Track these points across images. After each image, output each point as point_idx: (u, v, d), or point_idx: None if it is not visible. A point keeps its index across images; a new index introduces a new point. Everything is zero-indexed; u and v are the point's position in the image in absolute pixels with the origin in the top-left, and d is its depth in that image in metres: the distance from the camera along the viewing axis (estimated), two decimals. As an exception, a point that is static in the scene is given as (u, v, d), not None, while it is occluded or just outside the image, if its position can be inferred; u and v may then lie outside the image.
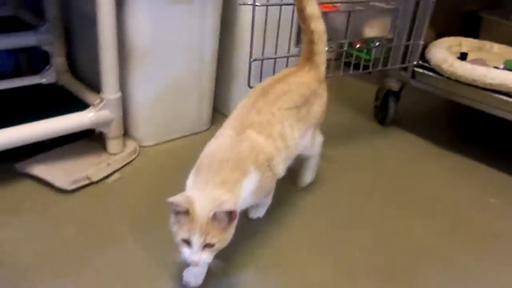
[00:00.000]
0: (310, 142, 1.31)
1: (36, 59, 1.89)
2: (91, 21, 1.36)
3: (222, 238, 0.93)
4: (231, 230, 0.96)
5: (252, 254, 1.19)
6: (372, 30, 1.71)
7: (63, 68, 1.74)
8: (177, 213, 0.92)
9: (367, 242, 1.28)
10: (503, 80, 1.56)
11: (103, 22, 1.34)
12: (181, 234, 0.91)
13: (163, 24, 1.50)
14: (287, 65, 1.50)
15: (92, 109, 1.45)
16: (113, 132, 1.50)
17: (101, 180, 1.42)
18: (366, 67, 1.79)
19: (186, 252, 0.92)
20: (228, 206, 0.92)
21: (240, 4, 1.61)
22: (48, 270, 1.09)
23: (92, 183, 1.40)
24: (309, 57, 1.30)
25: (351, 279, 1.15)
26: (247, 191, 1.03)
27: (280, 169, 1.16)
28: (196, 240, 0.90)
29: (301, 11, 1.26)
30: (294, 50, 1.53)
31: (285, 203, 1.39)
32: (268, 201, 1.26)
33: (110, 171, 1.46)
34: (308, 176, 1.46)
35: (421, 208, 1.44)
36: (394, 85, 1.89)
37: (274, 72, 1.47)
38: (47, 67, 1.71)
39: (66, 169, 1.41)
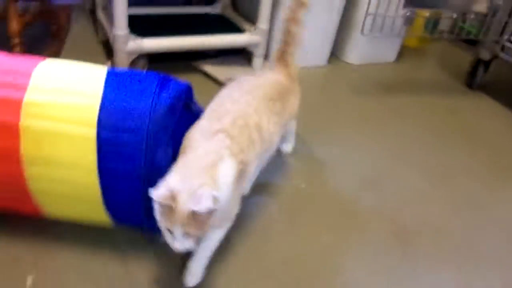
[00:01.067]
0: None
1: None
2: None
3: (202, 229, 0.93)
4: (211, 221, 0.94)
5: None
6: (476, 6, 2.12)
7: (227, 2, 2.38)
8: (161, 204, 0.91)
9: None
10: None
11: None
12: (165, 223, 0.93)
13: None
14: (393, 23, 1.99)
15: (248, 34, 2.07)
16: (259, 52, 2.12)
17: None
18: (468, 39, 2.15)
19: (169, 239, 0.95)
20: (205, 204, 0.89)
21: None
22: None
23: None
24: (281, 56, 1.39)
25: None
26: (226, 179, 1.00)
27: (252, 168, 1.12)
28: (177, 231, 0.92)
29: (293, 12, 1.36)
30: (400, 11, 2.00)
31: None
32: (227, 224, 1.10)
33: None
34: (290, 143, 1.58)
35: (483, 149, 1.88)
36: (484, 55, 2.28)
37: (383, 27, 1.96)
38: (216, 2, 2.36)
39: (225, 70, 2.06)
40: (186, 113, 1.16)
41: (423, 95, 2.20)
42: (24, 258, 1.10)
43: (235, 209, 1.09)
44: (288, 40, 1.36)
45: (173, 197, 0.90)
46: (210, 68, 2.06)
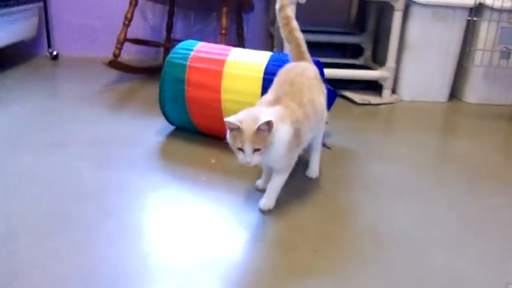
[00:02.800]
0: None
1: (356, 50, 3.36)
2: (388, 30, 2.71)
3: (265, 143, 1.26)
4: (271, 136, 1.28)
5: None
6: None
7: (368, 56, 3.14)
8: (232, 129, 1.27)
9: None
10: None
11: (394, 30, 2.67)
12: (236, 144, 1.26)
13: (427, 32, 2.73)
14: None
15: (380, 70, 2.78)
16: (387, 85, 2.79)
17: (375, 104, 2.72)
18: None
19: (241, 156, 1.28)
20: (265, 119, 1.23)
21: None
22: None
23: (370, 104, 2.71)
24: (300, 57, 1.62)
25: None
26: (281, 137, 1.33)
27: (306, 138, 1.47)
28: (247, 148, 1.25)
29: (286, 25, 1.61)
30: (499, 63, 2.53)
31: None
32: (282, 179, 1.45)
33: (380, 102, 2.74)
34: (314, 167, 1.73)
35: None
36: None
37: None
38: (361, 55, 3.15)
39: (362, 94, 2.77)
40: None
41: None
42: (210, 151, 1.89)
43: (292, 161, 1.44)
44: (297, 43, 1.61)
45: (240, 122, 1.25)
46: (349, 94, 2.80)
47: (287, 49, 1.66)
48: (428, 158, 2.04)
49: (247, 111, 1.31)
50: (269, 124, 1.26)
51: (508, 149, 2.26)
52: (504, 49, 2.59)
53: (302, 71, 1.52)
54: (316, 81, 1.55)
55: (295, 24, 1.62)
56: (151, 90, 2.65)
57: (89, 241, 1.27)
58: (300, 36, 1.62)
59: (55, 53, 3.22)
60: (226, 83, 1.83)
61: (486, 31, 2.65)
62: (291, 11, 1.63)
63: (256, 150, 1.26)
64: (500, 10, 2.62)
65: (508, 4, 2.61)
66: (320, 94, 1.54)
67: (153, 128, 2.08)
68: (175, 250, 1.26)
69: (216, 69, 1.85)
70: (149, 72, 2.98)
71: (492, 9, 2.63)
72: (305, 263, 1.24)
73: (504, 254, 1.35)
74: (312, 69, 1.57)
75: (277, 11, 1.64)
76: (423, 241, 1.39)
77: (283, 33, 1.63)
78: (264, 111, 1.32)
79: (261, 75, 1.79)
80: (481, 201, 1.67)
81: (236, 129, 1.25)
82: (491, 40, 2.66)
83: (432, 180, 1.82)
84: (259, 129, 1.24)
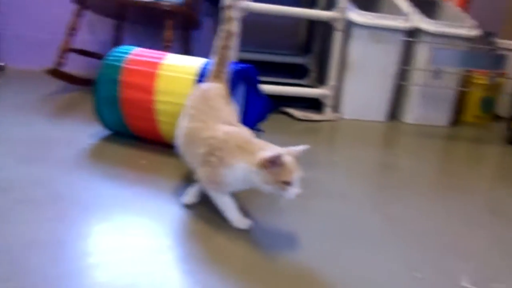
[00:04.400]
0: None
1: (302, 71, 3.44)
2: (329, 51, 2.81)
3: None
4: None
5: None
6: None
7: (314, 77, 3.23)
8: (273, 164, 1.18)
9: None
10: None
11: (335, 50, 2.77)
12: (282, 179, 1.19)
13: (366, 52, 2.84)
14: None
15: (321, 89, 2.86)
16: (329, 103, 2.87)
17: (316, 121, 2.78)
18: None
19: (287, 193, 1.21)
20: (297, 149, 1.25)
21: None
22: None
23: (311, 120, 2.77)
24: (218, 75, 1.55)
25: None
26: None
27: None
28: (297, 179, 1.21)
29: (225, 39, 1.56)
30: (432, 82, 2.66)
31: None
32: None
33: (321, 119, 2.81)
34: None
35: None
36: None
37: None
38: (307, 76, 3.23)
39: (304, 112, 2.83)
40: (254, 92, 1.93)
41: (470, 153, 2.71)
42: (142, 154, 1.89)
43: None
44: (222, 62, 1.56)
45: (280, 158, 1.19)
46: (291, 110, 2.86)
47: (212, 62, 1.60)
48: (360, 167, 2.09)
49: (267, 146, 1.27)
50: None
51: (438, 163, 2.35)
52: (436, 69, 2.71)
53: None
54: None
55: (232, 43, 1.58)
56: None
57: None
58: (229, 57, 1.59)
59: (2, 64, 3.17)
60: (160, 84, 1.85)
61: (420, 53, 2.78)
62: (235, 27, 1.61)
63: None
64: (433, 34, 2.77)
65: (440, 29, 2.77)
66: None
67: (87, 132, 2.06)
68: (95, 238, 1.25)
69: (150, 71, 1.87)
70: (91, 85, 2.96)
71: (426, 32, 2.78)
72: (221, 250, 1.24)
73: (415, 246, 1.39)
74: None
75: (222, 20, 1.60)
76: (342, 235, 1.42)
77: (216, 45, 1.59)
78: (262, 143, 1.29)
79: (194, 77, 1.82)
80: (404, 203, 1.72)
81: (279, 164, 1.20)
82: (424, 61, 2.79)
83: (362, 186, 1.87)
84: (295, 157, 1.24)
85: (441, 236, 1.48)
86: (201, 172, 1.34)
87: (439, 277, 1.23)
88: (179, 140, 1.47)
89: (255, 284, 1.11)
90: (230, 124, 1.38)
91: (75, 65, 3.16)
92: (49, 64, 2.71)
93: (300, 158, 1.25)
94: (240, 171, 1.25)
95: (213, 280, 1.11)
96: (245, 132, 1.35)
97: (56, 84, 2.87)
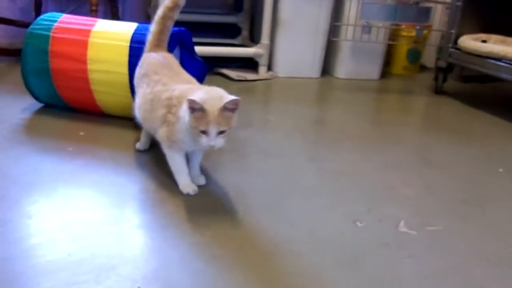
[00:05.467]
0: None
1: (233, 30, 3.42)
2: (261, 9, 2.80)
3: (230, 125, 1.20)
4: (236, 118, 1.22)
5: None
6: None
7: (246, 36, 3.23)
8: (194, 110, 1.17)
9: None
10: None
11: (267, 7, 2.78)
12: (200, 126, 1.17)
13: (297, 9, 2.87)
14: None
15: (254, 48, 2.87)
16: (263, 62, 2.89)
17: (251, 80, 2.80)
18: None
19: (204, 140, 1.19)
20: (230, 97, 1.20)
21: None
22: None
23: (246, 80, 2.79)
24: (158, 44, 1.57)
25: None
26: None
27: None
28: (212, 130, 1.17)
29: (169, 9, 1.53)
30: (362, 37, 2.75)
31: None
32: None
33: (256, 78, 2.84)
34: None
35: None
36: (441, 63, 2.90)
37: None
38: (239, 35, 3.22)
39: (239, 72, 2.84)
40: (189, 55, 1.91)
41: (400, 100, 2.84)
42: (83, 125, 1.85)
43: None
44: (164, 32, 1.57)
45: (203, 101, 1.17)
46: (225, 71, 2.86)
47: (151, 30, 1.60)
48: (295, 124, 2.15)
49: (206, 90, 1.26)
50: (235, 102, 1.20)
51: (370, 115, 2.45)
52: (366, 23, 2.79)
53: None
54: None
55: (176, 15, 1.56)
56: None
57: None
58: (170, 28, 1.59)
59: None
60: (92, 53, 1.79)
61: (350, 8, 2.84)
62: (184, 1, 1.56)
63: (220, 132, 1.20)
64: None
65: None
66: None
67: (19, 107, 1.98)
68: (41, 216, 1.23)
69: (81, 39, 1.81)
70: (17, 55, 2.81)
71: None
72: (172, 216, 1.27)
73: (354, 197, 1.48)
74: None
75: None
76: (282, 191, 1.48)
77: (158, 14, 1.56)
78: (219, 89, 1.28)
79: (128, 43, 1.78)
80: (339, 156, 1.80)
81: (200, 110, 1.18)
82: (354, 16, 2.85)
83: (297, 141, 1.93)
84: (224, 109, 1.19)
85: (377, 185, 1.58)
86: (161, 133, 1.35)
87: (379, 225, 1.32)
88: (141, 108, 1.46)
89: (206, 246, 1.15)
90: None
91: (-4, 35, 2.98)
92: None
93: (234, 109, 1.22)
94: (185, 115, 1.24)
95: (169, 244, 1.14)
96: (202, 88, 1.33)
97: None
